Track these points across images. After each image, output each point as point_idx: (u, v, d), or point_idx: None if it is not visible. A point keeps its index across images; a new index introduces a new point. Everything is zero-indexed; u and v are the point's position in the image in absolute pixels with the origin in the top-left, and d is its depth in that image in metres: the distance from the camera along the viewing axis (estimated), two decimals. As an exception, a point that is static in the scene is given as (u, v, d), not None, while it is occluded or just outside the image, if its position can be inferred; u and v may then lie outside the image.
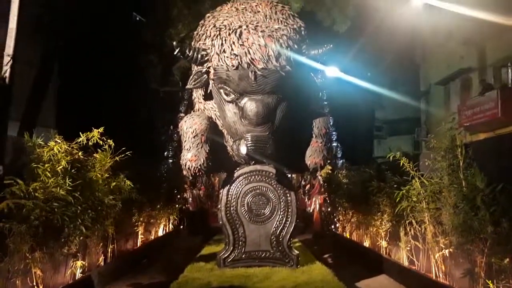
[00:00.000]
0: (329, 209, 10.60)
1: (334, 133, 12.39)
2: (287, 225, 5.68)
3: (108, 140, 5.38)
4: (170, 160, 12.52)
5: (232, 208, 5.65)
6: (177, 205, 10.92)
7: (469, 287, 4.40)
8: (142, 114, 11.54)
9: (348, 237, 9.01)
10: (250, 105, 4.54)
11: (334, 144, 12.88)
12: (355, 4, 12.23)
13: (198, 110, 5.49)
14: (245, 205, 5.67)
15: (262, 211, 5.71)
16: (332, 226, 10.29)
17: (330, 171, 10.88)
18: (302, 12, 10.52)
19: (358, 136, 18.95)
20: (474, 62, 14.47)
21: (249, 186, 5.70)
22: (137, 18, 10.74)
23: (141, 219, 8.03)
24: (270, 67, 4.44)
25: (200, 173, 4.86)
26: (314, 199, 11.22)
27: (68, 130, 5.15)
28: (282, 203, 5.66)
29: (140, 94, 11.57)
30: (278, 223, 5.68)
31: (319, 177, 11.18)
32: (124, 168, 6.17)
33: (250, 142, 4.58)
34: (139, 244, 8.08)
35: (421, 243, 5.56)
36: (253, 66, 4.43)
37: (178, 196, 11.34)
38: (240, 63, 4.43)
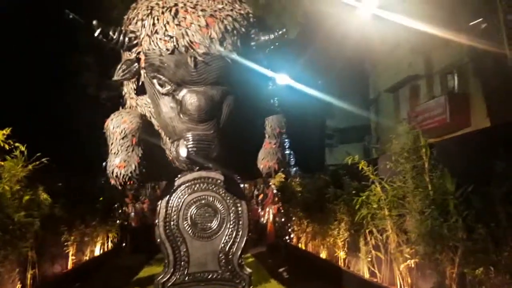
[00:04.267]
0: (283, 220, 10.17)
1: (286, 140, 12.10)
2: (238, 240, 4.96)
3: (17, 144, 4.46)
4: (109, 171, 11.57)
5: (172, 223, 4.84)
6: (117, 221, 10.09)
7: (440, 301, 4.01)
8: (74, 120, 10.48)
9: (304, 248, 8.64)
10: (190, 98, 3.78)
11: (287, 151, 12.54)
12: (305, 11, 12.12)
13: (130, 107, 4.68)
14: (188, 218, 4.89)
15: (209, 224, 4.95)
16: (287, 237, 9.86)
17: (283, 179, 10.54)
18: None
19: (310, 145, 19.01)
20: (421, 69, 14.85)
21: (193, 196, 4.93)
22: (70, 16, 9.76)
23: (72, 238, 7.23)
24: (213, 52, 3.75)
25: (131, 182, 4.02)
26: (267, 209, 10.81)
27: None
28: (231, 215, 4.95)
29: (73, 98, 10.53)
30: (227, 238, 4.95)
31: (273, 186, 10.80)
32: (48, 179, 5.46)
33: (191, 143, 3.82)
34: (69, 266, 7.23)
35: (383, 253, 5.26)
36: (192, 50, 3.70)
37: (119, 211, 10.49)
38: (176, 46, 3.69)
